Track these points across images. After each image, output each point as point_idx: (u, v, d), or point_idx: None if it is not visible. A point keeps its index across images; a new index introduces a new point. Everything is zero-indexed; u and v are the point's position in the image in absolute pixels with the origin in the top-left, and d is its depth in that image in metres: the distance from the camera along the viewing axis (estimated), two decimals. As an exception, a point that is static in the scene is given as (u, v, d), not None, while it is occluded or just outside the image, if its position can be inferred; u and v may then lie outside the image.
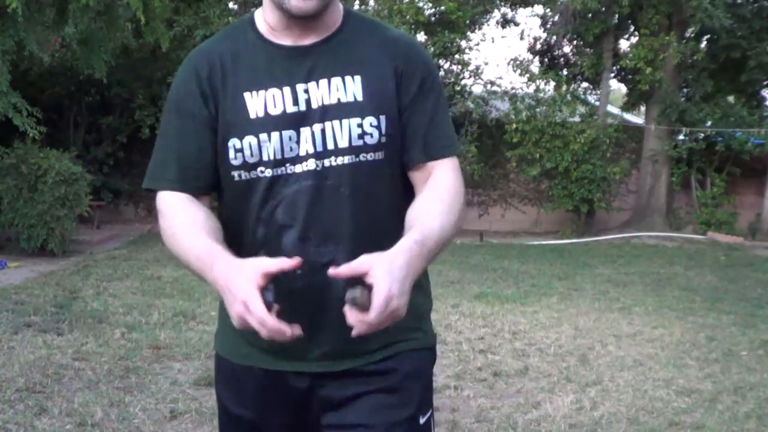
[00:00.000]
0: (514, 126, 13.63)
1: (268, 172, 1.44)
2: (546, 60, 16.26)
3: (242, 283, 1.24)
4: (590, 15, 13.90)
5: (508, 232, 14.40)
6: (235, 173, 1.45)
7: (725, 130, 13.55)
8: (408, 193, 1.50)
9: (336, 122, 1.43)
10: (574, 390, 4.38)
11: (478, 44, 15.76)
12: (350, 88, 1.44)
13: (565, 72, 15.85)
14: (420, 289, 1.50)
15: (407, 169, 1.50)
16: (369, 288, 1.20)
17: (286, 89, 1.44)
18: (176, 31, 11.84)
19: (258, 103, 1.44)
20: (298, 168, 1.43)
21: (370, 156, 1.45)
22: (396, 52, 1.48)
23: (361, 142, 1.43)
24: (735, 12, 13.50)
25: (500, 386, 4.43)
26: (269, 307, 1.22)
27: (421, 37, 13.81)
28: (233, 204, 1.49)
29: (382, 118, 1.45)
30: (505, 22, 16.68)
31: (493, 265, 9.36)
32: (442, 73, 13.83)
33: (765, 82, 15.25)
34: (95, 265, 8.14)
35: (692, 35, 14.61)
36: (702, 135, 13.92)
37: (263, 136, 1.43)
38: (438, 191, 1.44)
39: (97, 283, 7.03)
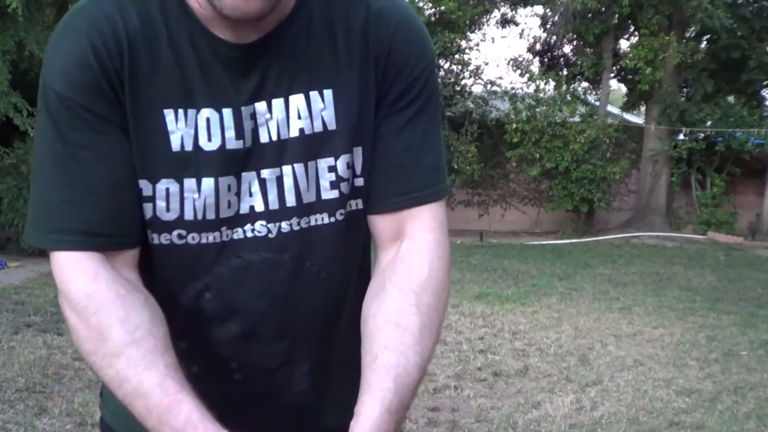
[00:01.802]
0: (514, 126, 13.62)
1: (192, 239, 0.94)
2: (546, 60, 16.25)
3: None
4: (590, 15, 13.91)
5: (508, 232, 14.40)
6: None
7: (725, 130, 13.55)
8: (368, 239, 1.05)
9: (299, 166, 0.95)
10: (574, 390, 4.39)
11: (478, 44, 15.86)
12: (318, 111, 0.95)
13: (565, 72, 15.84)
14: None
15: (368, 211, 1.01)
16: None
17: (227, 112, 0.92)
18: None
19: (185, 129, 0.91)
20: (239, 233, 0.95)
21: (346, 209, 0.99)
22: (378, 35, 0.96)
23: (335, 194, 0.97)
24: (735, 12, 13.49)
25: (500, 386, 4.43)
26: None
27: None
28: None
29: (358, 151, 0.97)
30: (505, 22, 16.69)
31: (493, 265, 9.35)
32: (441, 73, 13.84)
33: (765, 82, 15.22)
34: (95, 265, 8.13)
35: (692, 35, 14.60)
36: (702, 135, 13.91)
37: (189, 182, 0.92)
38: (415, 289, 0.95)
39: (97, 283, 7.02)
